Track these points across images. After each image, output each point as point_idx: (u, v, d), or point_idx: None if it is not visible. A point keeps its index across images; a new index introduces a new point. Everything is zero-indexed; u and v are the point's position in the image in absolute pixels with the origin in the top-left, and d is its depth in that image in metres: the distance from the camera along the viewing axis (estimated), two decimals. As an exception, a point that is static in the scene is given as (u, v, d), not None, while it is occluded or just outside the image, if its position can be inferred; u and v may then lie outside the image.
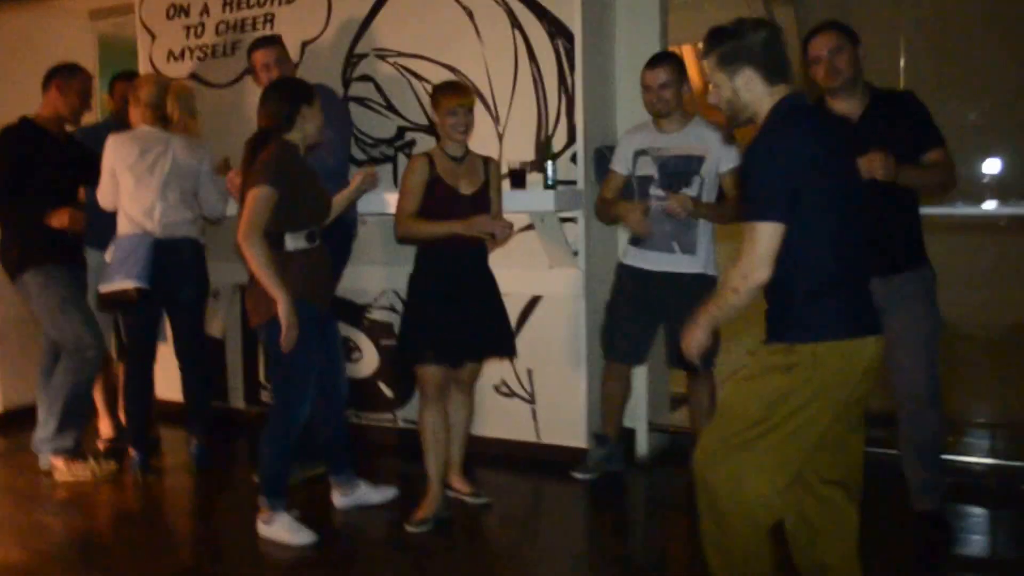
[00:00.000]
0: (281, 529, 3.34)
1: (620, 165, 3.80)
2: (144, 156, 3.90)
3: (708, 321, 2.33)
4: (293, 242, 3.27)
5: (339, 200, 3.55)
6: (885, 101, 3.17)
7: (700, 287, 3.65)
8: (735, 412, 2.32)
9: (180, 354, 4.20)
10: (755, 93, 2.26)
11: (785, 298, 2.26)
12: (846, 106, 3.14)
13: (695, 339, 2.35)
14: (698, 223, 3.66)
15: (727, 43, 2.26)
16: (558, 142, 4.00)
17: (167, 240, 3.93)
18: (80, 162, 4.14)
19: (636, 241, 3.78)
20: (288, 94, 3.33)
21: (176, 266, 3.97)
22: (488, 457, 4.17)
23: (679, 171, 3.64)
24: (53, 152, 4.07)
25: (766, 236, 2.16)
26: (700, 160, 3.63)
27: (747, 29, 2.24)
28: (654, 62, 3.70)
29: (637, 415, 4.20)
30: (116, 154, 3.91)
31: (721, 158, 3.62)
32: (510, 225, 3.40)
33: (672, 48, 4.26)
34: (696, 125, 3.69)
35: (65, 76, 4.11)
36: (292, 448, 3.37)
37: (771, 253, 2.15)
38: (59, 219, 3.96)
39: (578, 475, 3.94)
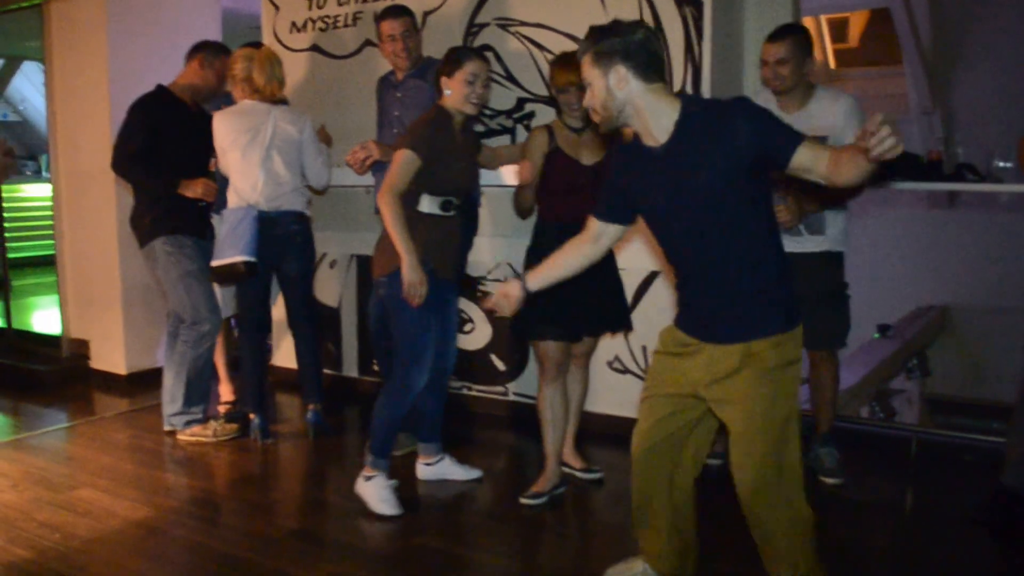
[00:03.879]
0: (373, 492, 3.36)
1: None
2: (246, 130, 3.95)
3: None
4: (428, 205, 3.31)
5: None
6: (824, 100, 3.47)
7: (827, 264, 3.55)
8: (772, 421, 2.30)
9: (292, 324, 4.28)
10: (629, 91, 2.23)
11: (779, 283, 2.32)
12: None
13: None
14: None
15: (602, 41, 2.23)
16: (682, 113, 3.88)
17: (272, 213, 3.98)
18: (211, 133, 4.23)
19: None
20: (442, 62, 3.38)
21: (280, 239, 4.02)
22: (600, 433, 4.11)
23: None
24: (187, 122, 4.17)
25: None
26: (824, 141, 3.44)
27: (623, 28, 2.24)
28: (775, 35, 3.50)
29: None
30: (221, 131, 3.98)
31: (846, 129, 3.42)
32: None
33: (806, 19, 4.08)
34: (819, 99, 3.50)
35: (212, 53, 4.21)
36: (404, 413, 3.39)
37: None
38: (193, 189, 4.05)
39: (709, 461, 3.82)
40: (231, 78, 4.10)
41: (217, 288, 4.31)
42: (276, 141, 3.97)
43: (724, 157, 2.17)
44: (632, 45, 2.21)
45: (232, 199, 4.01)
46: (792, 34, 3.49)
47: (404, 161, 3.22)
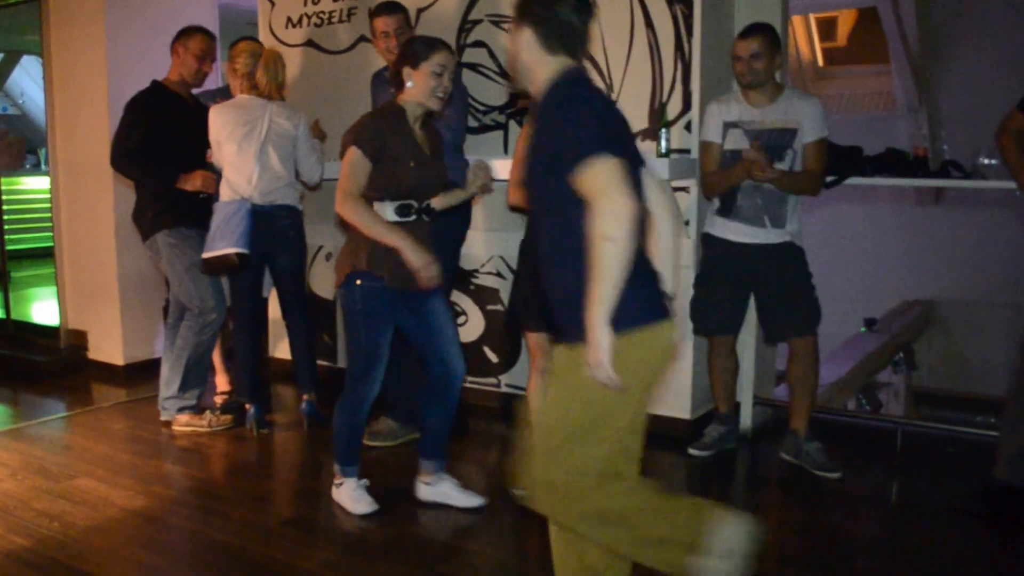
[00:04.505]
0: (346, 495, 3.37)
1: (712, 135, 3.73)
2: (243, 124, 3.98)
3: (603, 304, 1.96)
4: (383, 212, 3.12)
5: (449, 199, 3.36)
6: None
7: (789, 255, 3.67)
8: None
9: (285, 316, 4.35)
10: (532, 57, 2.19)
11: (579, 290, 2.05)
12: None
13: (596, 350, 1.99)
14: (788, 196, 3.62)
15: (525, 2, 2.20)
16: (672, 110, 3.94)
17: (266, 207, 4.02)
18: (207, 124, 4.27)
19: (725, 212, 3.72)
20: (404, 52, 3.15)
21: (273, 233, 4.07)
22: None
23: (772, 145, 3.57)
24: (183, 115, 4.22)
25: (609, 167, 1.96)
26: (793, 133, 3.58)
27: None
28: (747, 32, 3.63)
29: (742, 389, 4.14)
30: (217, 124, 4.02)
31: (808, 129, 3.57)
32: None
33: (794, 17, 4.15)
34: (788, 97, 3.63)
35: (183, 39, 4.24)
36: (361, 420, 3.33)
37: (624, 180, 1.96)
38: (192, 182, 4.11)
39: (695, 452, 3.91)
40: (231, 70, 4.13)
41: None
42: (271, 136, 4.01)
43: (532, 149, 2.18)
44: (547, 12, 2.15)
45: (225, 192, 4.05)
46: (764, 31, 3.62)
47: (352, 161, 3.05)
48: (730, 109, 3.70)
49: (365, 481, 3.44)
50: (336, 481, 3.41)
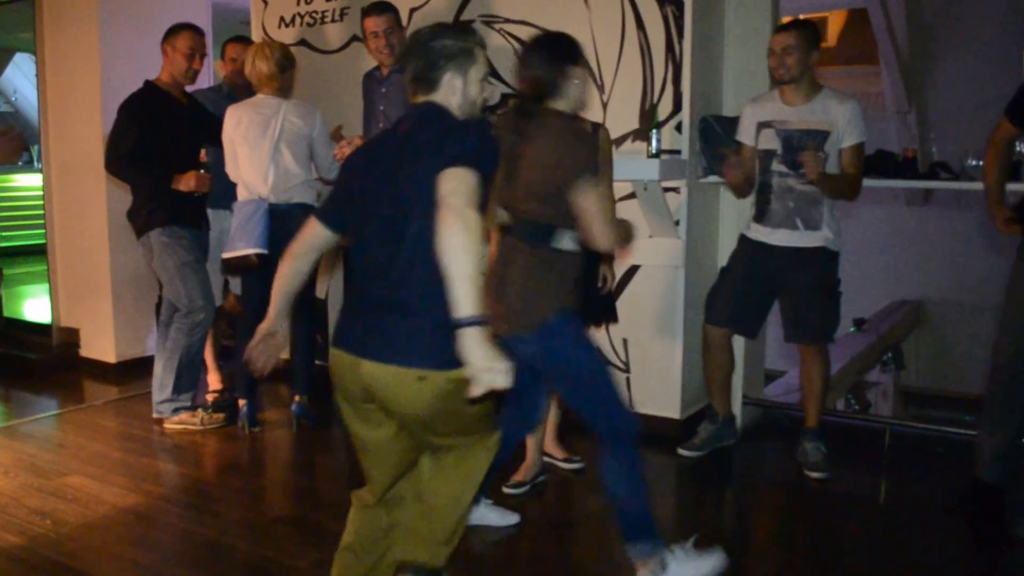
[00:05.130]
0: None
1: (745, 136, 3.74)
2: (256, 124, 4.00)
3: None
4: (568, 241, 2.62)
5: None
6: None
7: (821, 259, 3.63)
8: None
9: (291, 315, 4.34)
10: None
11: None
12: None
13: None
14: (823, 199, 3.59)
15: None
16: (663, 111, 3.97)
17: (281, 205, 4.03)
18: (201, 123, 4.29)
19: (759, 216, 3.71)
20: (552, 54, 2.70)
21: (290, 232, 4.05)
22: (580, 423, 4.18)
23: (803, 146, 3.52)
24: (177, 115, 4.23)
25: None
26: (825, 135, 3.54)
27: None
28: (783, 26, 3.63)
29: (733, 389, 4.17)
30: (230, 123, 4.04)
31: (844, 133, 3.53)
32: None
33: (785, 19, 4.18)
34: (824, 98, 3.58)
35: (170, 38, 4.24)
36: (639, 472, 2.75)
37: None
38: (186, 182, 4.11)
39: (685, 452, 3.92)
40: (246, 72, 4.11)
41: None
42: (285, 135, 4.02)
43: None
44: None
45: (242, 192, 4.08)
46: (801, 26, 3.65)
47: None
48: (764, 109, 3.68)
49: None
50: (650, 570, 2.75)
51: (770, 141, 3.63)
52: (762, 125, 3.66)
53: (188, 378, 4.32)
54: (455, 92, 2.16)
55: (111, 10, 5.21)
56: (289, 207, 4.04)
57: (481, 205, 1.93)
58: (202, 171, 4.15)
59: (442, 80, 2.16)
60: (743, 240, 3.82)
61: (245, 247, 3.93)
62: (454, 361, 1.82)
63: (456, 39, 2.17)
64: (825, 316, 3.69)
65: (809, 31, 3.63)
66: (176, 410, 4.31)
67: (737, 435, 4.08)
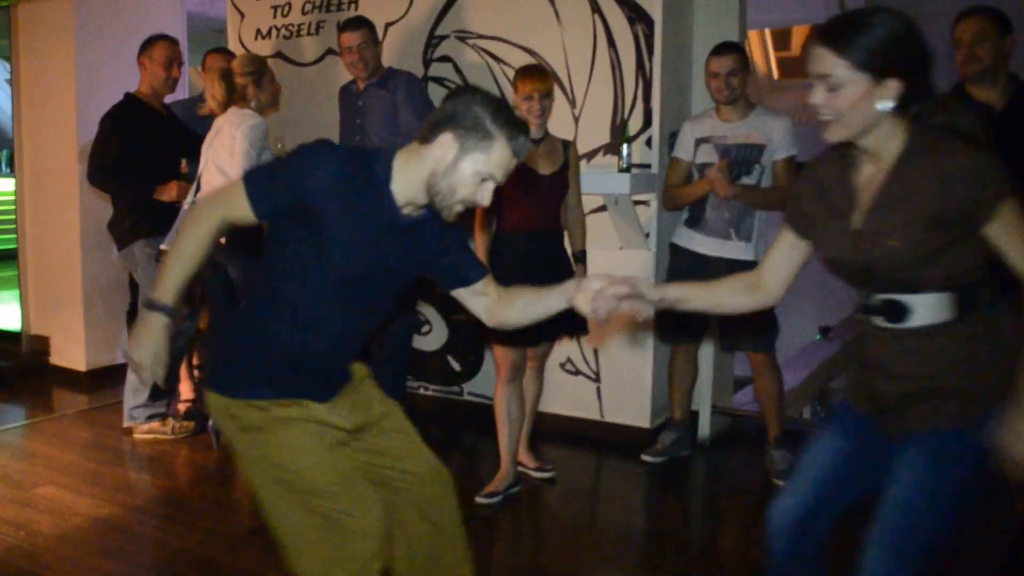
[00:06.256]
0: None
1: (683, 152, 3.85)
2: (210, 135, 4.00)
3: None
4: None
5: None
6: None
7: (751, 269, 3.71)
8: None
9: None
10: None
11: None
12: (986, 95, 3.10)
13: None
14: (755, 212, 3.71)
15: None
16: (634, 126, 4.05)
17: None
18: (179, 134, 4.31)
19: (692, 223, 3.82)
20: None
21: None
22: (552, 432, 4.25)
23: (740, 160, 3.68)
24: (157, 127, 4.26)
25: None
26: (761, 149, 3.68)
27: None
28: (721, 49, 3.73)
29: (701, 398, 4.25)
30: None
31: (778, 146, 3.67)
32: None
33: (750, 32, 4.27)
34: (759, 114, 3.74)
35: (147, 50, 4.26)
36: None
37: None
38: (168, 193, 4.14)
39: (647, 458, 4.01)
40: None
41: None
42: (216, 144, 3.97)
43: None
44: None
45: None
46: (737, 49, 3.76)
47: None
48: (702, 126, 3.81)
49: None
50: None
51: (708, 155, 3.76)
52: (700, 141, 3.79)
53: (165, 384, 4.30)
54: (440, 155, 1.90)
55: (87, 19, 5.21)
56: None
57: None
58: (183, 182, 4.17)
59: (438, 138, 1.91)
60: (676, 251, 3.89)
61: (166, 243, 4.01)
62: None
63: (488, 112, 1.88)
64: (765, 324, 3.75)
65: (743, 52, 3.79)
66: (150, 417, 4.31)
67: (694, 445, 4.17)
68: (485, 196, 1.94)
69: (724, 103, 3.74)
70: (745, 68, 3.73)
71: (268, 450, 2.02)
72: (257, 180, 1.96)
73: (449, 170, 1.89)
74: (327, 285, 1.97)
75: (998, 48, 3.03)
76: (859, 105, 1.73)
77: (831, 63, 1.73)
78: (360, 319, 2.11)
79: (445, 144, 1.89)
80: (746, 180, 3.68)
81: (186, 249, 1.97)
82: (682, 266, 3.86)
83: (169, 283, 1.98)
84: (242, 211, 1.95)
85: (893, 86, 1.71)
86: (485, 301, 2.19)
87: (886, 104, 1.72)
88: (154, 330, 1.99)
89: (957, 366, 1.81)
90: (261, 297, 2.07)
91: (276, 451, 2.01)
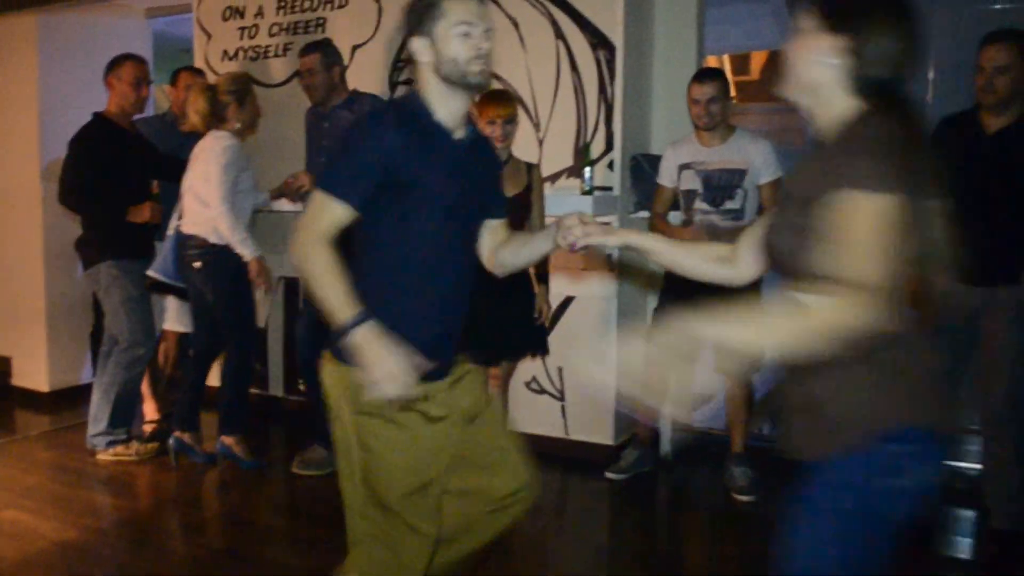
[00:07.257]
0: None
1: (666, 179, 3.91)
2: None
3: None
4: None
5: None
6: None
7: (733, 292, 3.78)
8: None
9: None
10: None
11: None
12: (997, 124, 3.15)
13: None
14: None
15: None
16: (596, 149, 4.13)
17: (184, 235, 4.01)
18: (148, 154, 4.33)
19: None
20: None
21: (188, 265, 4.03)
22: (518, 451, 4.28)
23: (723, 184, 3.74)
24: (128, 147, 4.26)
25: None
26: (742, 173, 3.73)
27: None
28: (703, 77, 3.79)
29: (662, 415, 4.32)
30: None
31: (761, 170, 3.73)
32: None
33: (709, 58, 4.37)
34: (738, 138, 3.79)
35: (114, 70, 4.27)
36: None
37: None
38: (141, 214, 4.16)
39: (611, 475, 4.06)
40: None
41: (174, 305, 4.43)
42: (192, 171, 4.00)
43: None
44: None
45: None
46: (719, 76, 3.82)
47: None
48: (684, 151, 3.85)
49: None
50: None
51: (691, 181, 3.82)
52: (682, 167, 3.84)
53: (124, 412, 4.31)
54: (426, 57, 2.03)
55: (51, 39, 5.22)
56: (187, 237, 4.00)
57: None
58: (155, 202, 4.18)
59: (413, 52, 2.06)
60: (670, 278, 3.91)
61: (151, 270, 4.09)
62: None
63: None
64: None
65: (726, 79, 3.86)
66: (111, 443, 4.30)
67: (657, 461, 4.24)
68: (481, 43, 2.01)
69: (704, 129, 3.79)
70: (726, 95, 3.78)
71: (367, 440, 2.05)
72: (336, 180, 2.02)
73: (440, 56, 2.00)
74: (432, 224, 2.06)
75: (1019, 78, 3.02)
76: (805, 55, 1.64)
77: (806, 15, 1.65)
78: (466, 255, 2.22)
79: (420, 47, 2.03)
80: (729, 205, 3.74)
81: (325, 277, 1.97)
82: (672, 294, 3.86)
83: (339, 301, 1.96)
84: (338, 215, 2.00)
85: (842, 42, 1.59)
86: (492, 241, 2.28)
87: (829, 59, 1.61)
88: (375, 342, 1.93)
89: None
90: (375, 279, 2.08)
91: (374, 443, 2.05)
